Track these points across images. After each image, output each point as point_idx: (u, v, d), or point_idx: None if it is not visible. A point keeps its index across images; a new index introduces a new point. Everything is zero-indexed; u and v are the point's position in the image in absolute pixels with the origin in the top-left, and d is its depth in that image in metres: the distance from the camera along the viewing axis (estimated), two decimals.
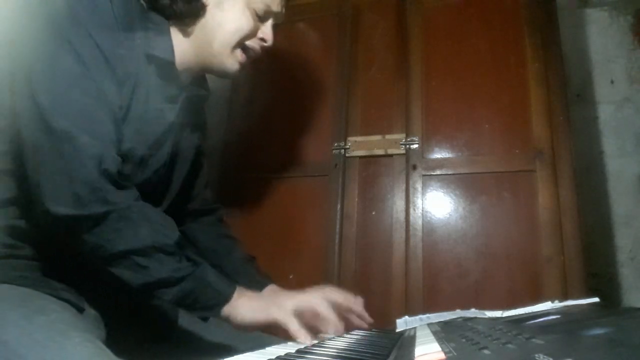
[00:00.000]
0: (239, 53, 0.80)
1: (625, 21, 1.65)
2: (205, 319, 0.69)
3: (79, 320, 0.64)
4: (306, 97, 1.48)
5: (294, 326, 0.65)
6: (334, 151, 1.38)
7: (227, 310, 0.66)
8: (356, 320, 0.80)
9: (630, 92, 1.59)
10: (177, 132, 0.79)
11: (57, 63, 0.61)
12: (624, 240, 1.50)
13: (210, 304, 0.66)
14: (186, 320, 0.84)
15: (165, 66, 0.74)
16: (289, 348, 0.56)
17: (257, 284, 0.89)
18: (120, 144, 0.68)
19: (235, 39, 0.78)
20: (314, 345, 0.58)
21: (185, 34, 0.77)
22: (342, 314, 0.74)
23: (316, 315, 0.71)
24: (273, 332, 0.74)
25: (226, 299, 0.66)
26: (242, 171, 1.47)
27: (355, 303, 0.78)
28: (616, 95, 1.61)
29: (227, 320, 0.67)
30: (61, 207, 0.59)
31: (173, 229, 0.66)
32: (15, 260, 0.65)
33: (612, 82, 1.62)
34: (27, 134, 0.60)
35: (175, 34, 0.77)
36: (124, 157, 0.68)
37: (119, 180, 0.64)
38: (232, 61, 0.80)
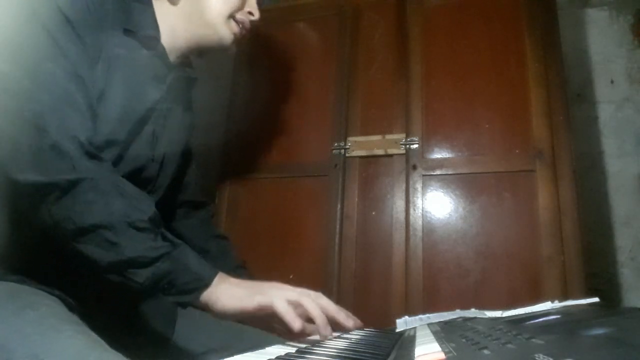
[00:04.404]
0: (233, 24, 0.81)
1: (625, 21, 1.65)
2: (182, 305, 0.64)
3: (71, 314, 0.62)
4: (306, 97, 1.48)
5: (281, 306, 0.61)
6: (334, 151, 1.38)
7: (206, 296, 0.62)
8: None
9: (630, 92, 1.59)
10: (165, 113, 0.79)
11: (20, 32, 0.59)
12: (624, 240, 1.50)
13: (187, 289, 0.61)
14: (186, 320, 0.84)
15: (149, 43, 0.74)
16: (289, 348, 0.56)
17: None
18: (97, 121, 0.65)
19: (226, 10, 0.79)
20: (314, 345, 0.58)
21: (174, 5, 0.78)
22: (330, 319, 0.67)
23: (303, 312, 0.64)
24: (257, 325, 0.72)
25: (206, 283, 0.62)
26: (242, 171, 1.47)
27: (345, 319, 0.68)
28: (616, 95, 1.61)
29: (206, 307, 0.63)
30: (26, 174, 0.56)
31: (148, 204, 0.62)
32: (2, 257, 0.65)
33: (612, 82, 1.62)
34: None
35: (162, 8, 0.77)
36: (108, 138, 0.66)
37: (90, 150, 0.60)
38: (227, 31, 0.81)
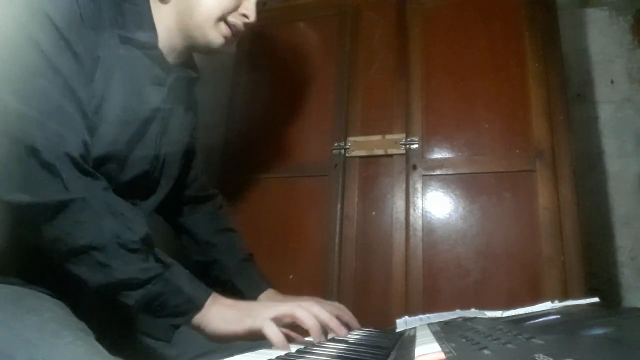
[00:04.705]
0: (223, 27, 0.78)
1: (625, 21, 1.65)
2: (173, 328, 0.63)
3: (73, 319, 0.62)
4: (306, 97, 1.47)
5: (270, 330, 0.60)
6: (334, 151, 1.38)
7: (198, 319, 0.62)
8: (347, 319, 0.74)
9: (630, 92, 1.59)
10: (167, 115, 0.78)
11: (9, 47, 0.58)
12: (624, 240, 1.50)
13: (179, 311, 0.60)
14: None
15: (146, 46, 0.73)
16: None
17: (256, 287, 0.89)
18: (97, 129, 0.65)
19: (216, 12, 0.76)
20: (314, 345, 0.58)
21: (165, 4, 0.77)
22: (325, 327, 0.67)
23: (297, 322, 0.65)
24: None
25: (198, 306, 0.62)
26: (242, 171, 1.47)
27: (338, 327, 0.68)
28: (616, 95, 1.61)
29: (197, 329, 0.63)
30: (16, 195, 0.55)
31: (141, 224, 0.62)
32: (6, 261, 0.65)
33: (612, 82, 1.62)
34: None
35: (157, 8, 0.76)
36: (109, 145, 0.66)
37: (83, 166, 0.59)
38: (216, 34, 0.78)
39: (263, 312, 0.64)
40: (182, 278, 0.62)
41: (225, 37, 0.79)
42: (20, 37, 0.59)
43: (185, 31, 0.78)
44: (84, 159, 0.61)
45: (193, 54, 0.88)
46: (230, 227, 0.99)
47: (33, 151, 0.55)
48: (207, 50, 0.81)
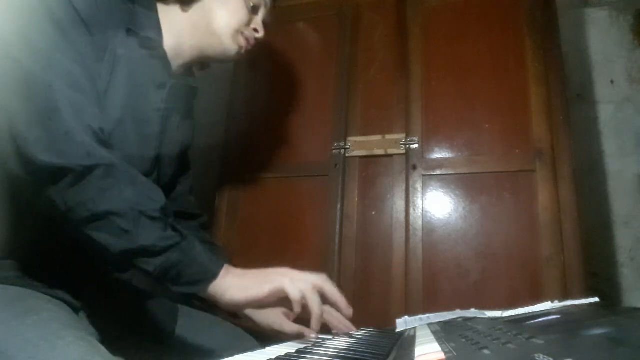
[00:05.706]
0: (240, 38, 0.84)
1: (625, 21, 1.65)
2: (189, 297, 0.64)
3: (74, 319, 0.63)
4: (306, 97, 1.48)
5: (292, 288, 0.62)
6: (334, 151, 1.38)
7: (213, 288, 0.62)
8: (336, 324, 0.75)
9: (630, 92, 1.59)
10: (163, 120, 0.78)
11: (31, 24, 0.60)
12: (624, 240, 1.50)
13: (195, 280, 0.61)
14: (186, 321, 0.84)
15: (151, 45, 0.74)
16: (289, 348, 0.56)
17: None
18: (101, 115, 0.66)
19: (234, 23, 0.82)
20: (313, 345, 0.58)
21: (184, 12, 0.80)
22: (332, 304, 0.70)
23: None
24: (259, 329, 0.72)
25: (213, 275, 0.62)
26: (242, 171, 1.47)
27: (347, 306, 0.72)
28: (616, 95, 1.61)
29: (213, 299, 0.63)
30: (44, 156, 0.56)
31: (160, 194, 0.63)
32: (6, 261, 0.65)
33: (612, 82, 1.62)
34: (7, 90, 0.58)
35: (171, 14, 0.78)
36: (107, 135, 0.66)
37: (104, 139, 0.61)
38: (233, 43, 0.83)
39: (279, 277, 0.65)
40: (197, 248, 0.63)
41: (241, 47, 0.84)
42: (42, 16, 0.61)
43: (199, 39, 0.81)
44: (102, 132, 0.62)
45: (194, 69, 0.89)
46: (211, 241, 0.97)
47: (57, 119, 0.57)
48: (221, 58, 0.86)
